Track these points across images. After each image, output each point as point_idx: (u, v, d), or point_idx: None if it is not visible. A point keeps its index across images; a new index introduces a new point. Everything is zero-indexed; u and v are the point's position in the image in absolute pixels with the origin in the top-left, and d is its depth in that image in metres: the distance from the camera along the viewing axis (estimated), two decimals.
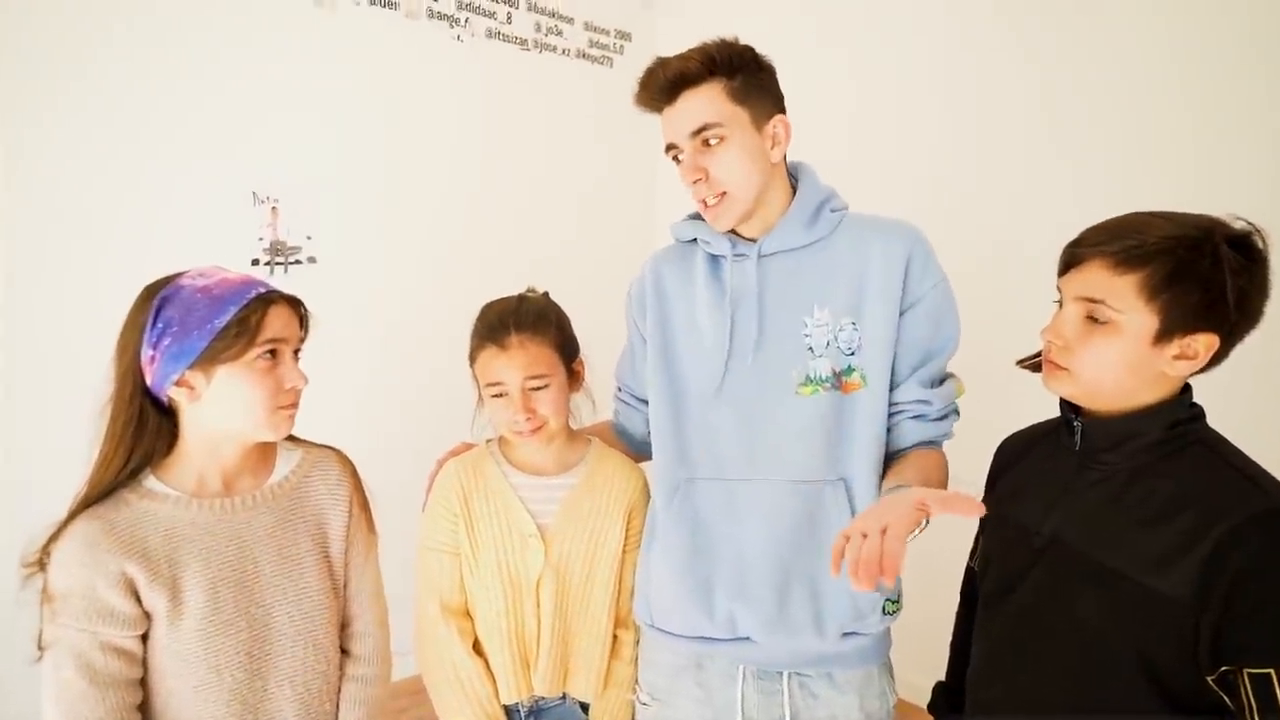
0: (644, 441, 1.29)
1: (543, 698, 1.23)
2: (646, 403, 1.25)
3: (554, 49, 2.82)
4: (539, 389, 1.16)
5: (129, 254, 1.93)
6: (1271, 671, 0.75)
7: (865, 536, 0.79)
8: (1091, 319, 0.87)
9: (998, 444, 1.12)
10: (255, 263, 2.18)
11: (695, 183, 1.09)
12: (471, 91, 2.62)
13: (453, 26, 2.53)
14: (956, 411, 1.15)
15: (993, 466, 1.09)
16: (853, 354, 1.09)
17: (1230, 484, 0.83)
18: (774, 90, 1.12)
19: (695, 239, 1.20)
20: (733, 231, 1.15)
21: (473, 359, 1.21)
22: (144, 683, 0.96)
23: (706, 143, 1.07)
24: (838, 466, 1.10)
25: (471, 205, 2.64)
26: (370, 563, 1.15)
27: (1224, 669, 0.78)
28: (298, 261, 2.26)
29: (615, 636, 1.25)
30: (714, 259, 1.18)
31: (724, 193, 1.09)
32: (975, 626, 1.04)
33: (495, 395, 1.18)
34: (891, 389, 1.11)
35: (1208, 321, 0.83)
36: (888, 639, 1.19)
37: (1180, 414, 0.88)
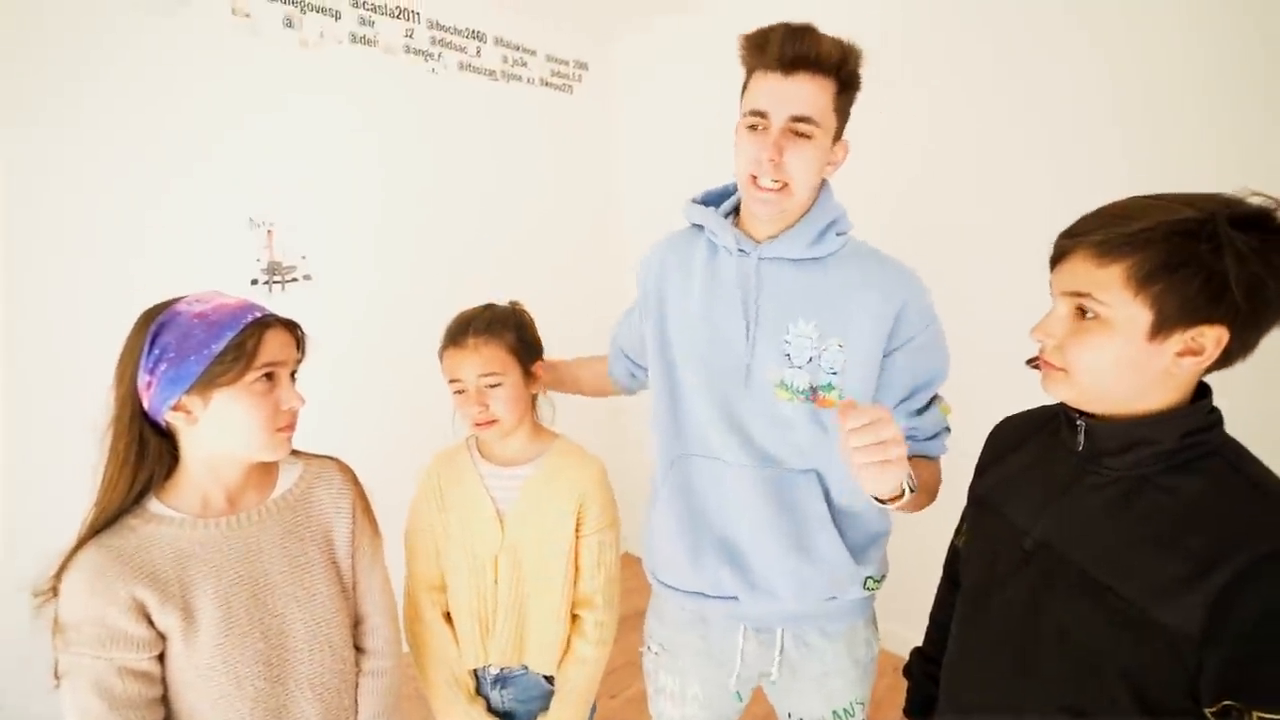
0: (624, 386, 1.41)
1: (504, 666, 1.25)
2: (628, 358, 1.35)
3: (520, 79, 2.85)
4: (493, 386, 1.19)
5: (134, 279, 1.91)
6: None
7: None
8: (1081, 314, 0.76)
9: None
10: (254, 282, 2.16)
11: (768, 161, 0.99)
12: (447, 118, 2.63)
13: (427, 60, 2.53)
14: (947, 428, 1.12)
15: (985, 451, 0.99)
16: (835, 374, 1.04)
17: (1249, 509, 0.69)
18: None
19: (702, 225, 1.14)
20: (738, 226, 1.11)
21: (440, 358, 1.24)
22: (165, 699, 0.92)
23: (798, 132, 0.98)
24: (809, 459, 1.08)
25: (449, 221, 2.65)
26: (377, 562, 1.12)
27: (1227, 703, 0.67)
28: (294, 280, 2.25)
29: (577, 616, 1.26)
30: (713, 248, 1.13)
31: (785, 185, 1.01)
32: (955, 615, 0.94)
33: (456, 391, 1.22)
34: None
35: (1213, 313, 0.69)
36: (871, 596, 1.19)
37: (1196, 421, 0.74)
